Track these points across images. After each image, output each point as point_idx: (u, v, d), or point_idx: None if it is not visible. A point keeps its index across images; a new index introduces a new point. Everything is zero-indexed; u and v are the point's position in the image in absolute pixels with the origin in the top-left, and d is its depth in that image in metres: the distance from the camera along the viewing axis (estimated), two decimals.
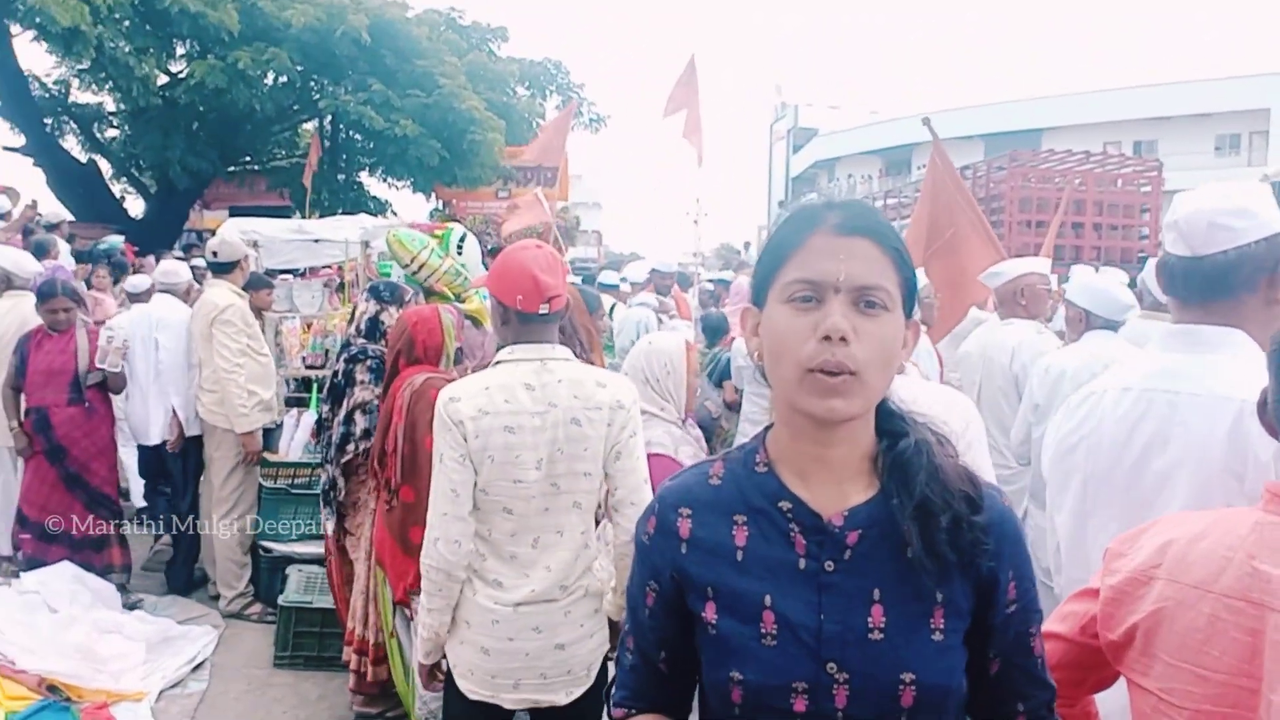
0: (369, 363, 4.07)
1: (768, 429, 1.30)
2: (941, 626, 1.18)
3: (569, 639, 2.46)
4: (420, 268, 4.21)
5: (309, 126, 19.63)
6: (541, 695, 2.47)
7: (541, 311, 2.45)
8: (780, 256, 1.20)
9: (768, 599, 1.20)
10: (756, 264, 1.28)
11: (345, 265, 8.06)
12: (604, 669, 2.57)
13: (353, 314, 4.56)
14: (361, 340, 4.16)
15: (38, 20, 12.15)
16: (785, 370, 1.16)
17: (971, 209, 5.43)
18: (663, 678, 1.35)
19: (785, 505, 1.22)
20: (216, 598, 5.40)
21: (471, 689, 2.47)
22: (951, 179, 5.57)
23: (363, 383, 4.07)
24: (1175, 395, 1.80)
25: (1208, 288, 1.80)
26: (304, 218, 11.57)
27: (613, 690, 1.42)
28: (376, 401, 3.94)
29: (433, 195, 19.27)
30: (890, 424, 1.25)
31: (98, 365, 5.11)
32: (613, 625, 2.59)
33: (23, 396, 5.24)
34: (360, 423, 4.00)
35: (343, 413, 4.07)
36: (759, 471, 1.26)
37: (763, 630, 1.19)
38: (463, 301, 4.11)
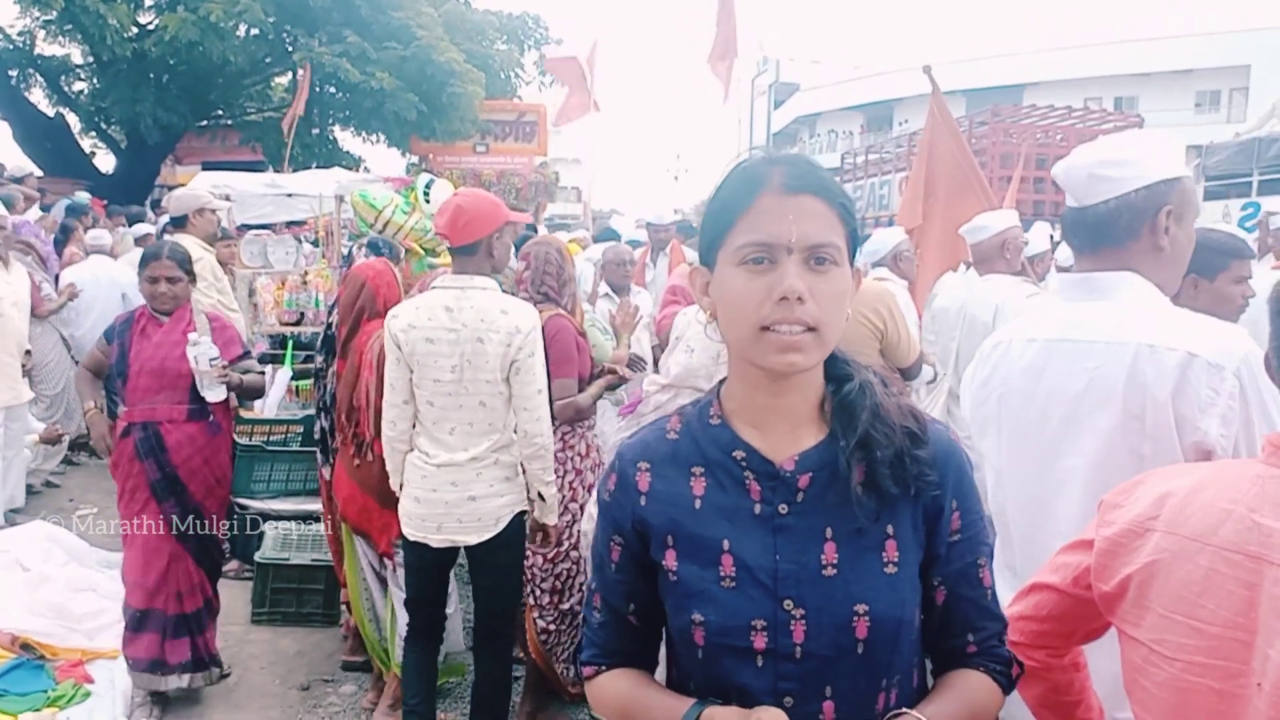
0: None
1: (722, 382, 1.35)
2: (895, 559, 1.24)
3: (479, 493, 3.13)
4: (385, 226, 4.14)
5: (282, 80, 19.31)
6: (458, 536, 3.16)
7: (454, 244, 3.15)
8: (729, 218, 1.22)
9: (726, 544, 1.24)
10: (703, 224, 1.29)
11: (319, 220, 7.95)
12: (517, 523, 3.25)
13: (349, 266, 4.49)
14: None
15: None
16: (742, 330, 1.20)
17: (968, 162, 5.34)
18: (633, 630, 1.38)
19: (739, 455, 1.27)
20: None
21: (411, 532, 3.20)
22: (950, 130, 5.47)
23: None
24: (1074, 344, 1.83)
25: (1094, 236, 1.85)
26: (279, 167, 11.34)
27: (579, 654, 1.44)
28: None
29: (409, 150, 19.01)
30: (837, 369, 1.30)
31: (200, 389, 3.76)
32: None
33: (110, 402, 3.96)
34: None
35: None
36: (713, 424, 1.31)
37: (722, 573, 1.24)
38: (436, 255, 4.04)
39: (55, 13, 13.83)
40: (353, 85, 15.12)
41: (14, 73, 16.42)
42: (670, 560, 1.27)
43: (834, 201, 1.20)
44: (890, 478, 1.22)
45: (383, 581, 3.80)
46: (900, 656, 1.25)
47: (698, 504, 1.27)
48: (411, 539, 3.20)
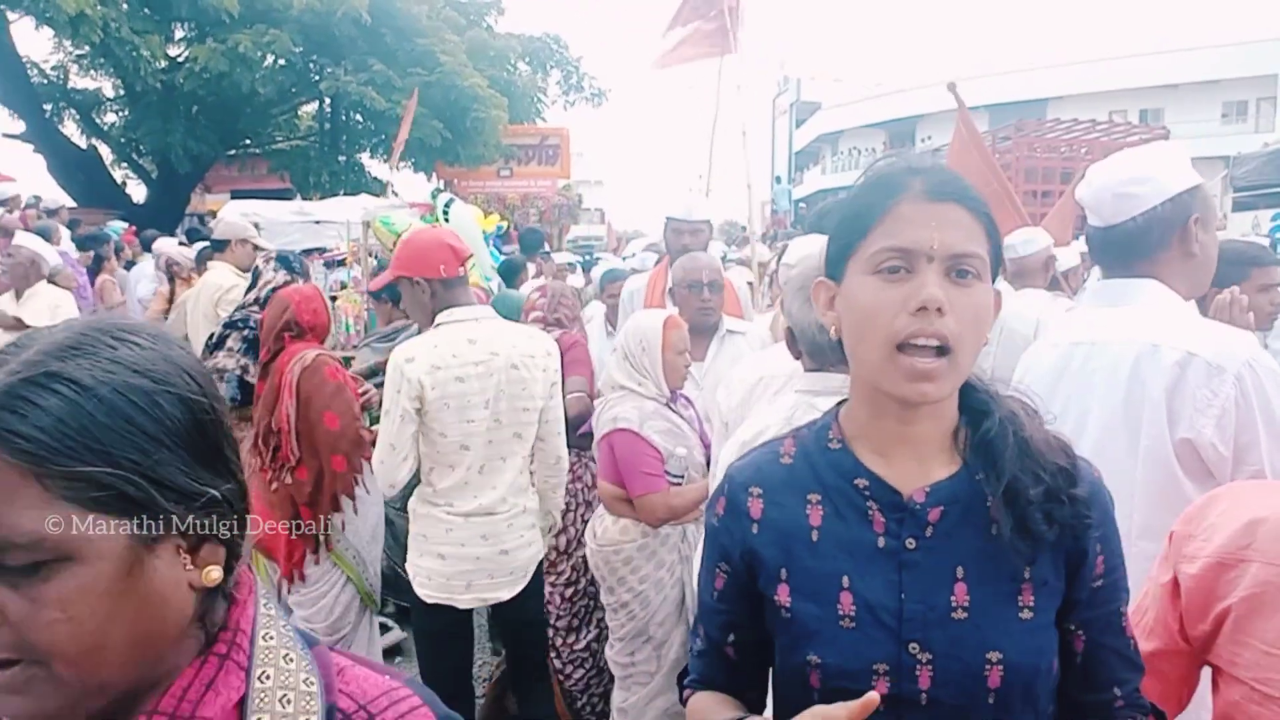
0: (245, 332, 4.05)
1: (841, 404, 1.26)
2: (1031, 604, 1.12)
3: (511, 545, 2.93)
4: None
5: (309, 109, 19.58)
6: (489, 593, 2.93)
7: (460, 274, 2.91)
8: (863, 225, 1.13)
9: (845, 580, 1.15)
10: (832, 234, 1.20)
11: (347, 246, 8.03)
12: (539, 570, 3.07)
13: (254, 280, 4.37)
14: (254, 308, 4.09)
15: (43, 8, 12.07)
16: (872, 348, 1.11)
17: (995, 176, 5.31)
18: (730, 663, 1.30)
19: (862, 483, 1.17)
20: None
21: (429, 594, 2.89)
22: (976, 145, 5.44)
23: (230, 350, 4.03)
24: (1091, 346, 1.91)
25: (1124, 252, 1.92)
26: (309, 195, 11.41)
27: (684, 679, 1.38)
28: (237, 372, 4.00)
29: (434, 175, 19.20)
30: (973, 399, 1.19)
31: None
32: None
33: None
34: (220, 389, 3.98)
35: None
36: (832, 448, 1.21)
37: (840, 612, 1.14)
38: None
39: (90, 47, 14.12)
40: (378, 113, 15.31)
41: (48, 107, 16.76)
42: (783, 595, 1.18)
43: (979, 213, 1.11)
44: (1043, 520, 1.10)
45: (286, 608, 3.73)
46: (1035, 709, 1.14)
47: (815, 535, 1.17)
48: (431, 602, 2.91)
